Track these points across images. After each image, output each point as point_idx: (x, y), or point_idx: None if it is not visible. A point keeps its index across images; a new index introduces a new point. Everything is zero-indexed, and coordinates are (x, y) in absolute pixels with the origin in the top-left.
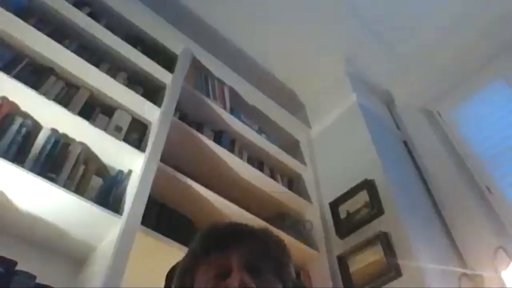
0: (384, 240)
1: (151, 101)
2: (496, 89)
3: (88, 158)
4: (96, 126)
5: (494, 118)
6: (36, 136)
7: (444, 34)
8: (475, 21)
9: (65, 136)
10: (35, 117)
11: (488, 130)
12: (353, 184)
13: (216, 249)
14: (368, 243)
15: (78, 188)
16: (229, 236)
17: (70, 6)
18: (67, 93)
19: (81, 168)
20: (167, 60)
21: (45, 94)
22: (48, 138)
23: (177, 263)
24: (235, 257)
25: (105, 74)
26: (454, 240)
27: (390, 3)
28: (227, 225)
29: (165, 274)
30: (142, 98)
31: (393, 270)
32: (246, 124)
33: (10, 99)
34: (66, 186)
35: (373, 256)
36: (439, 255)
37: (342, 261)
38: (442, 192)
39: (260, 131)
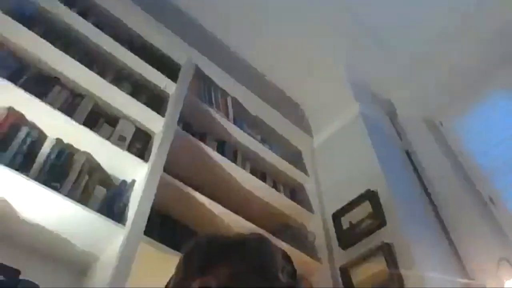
0: (387, 251)
1: (154, 111)
2: (499, 99)
3: (92, 167)
4: (100, 135)
5: (497, 128)
6: (41, 145)
7: (447, 44)
8: (479, 32)
9: (69, 145)
10: (41, 127)
11: (491, 140)
12: (356, 195)
13: (196, 273)
14: (370, 254)
15: (82, 197)
16: (208, 256)
17: (76, 15)
18: (72, 103)
19: (85, 177)
20: (171, 70)
21: (51, 104)
22: (53, 147)
23: (171, 278)
24: (215, 283)
25: (109, 84)
26: (457, 250)
27: (393, 14)
28: (207, 242)
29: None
30: (146, 108)
31: (395, 281)
32: (249, 134)
33: (16, 109)
34: (70, 195)
35: (375, 267)
36: (442, 266)
37: (345, 272)
38: (445, 203)
39: (262, 141)
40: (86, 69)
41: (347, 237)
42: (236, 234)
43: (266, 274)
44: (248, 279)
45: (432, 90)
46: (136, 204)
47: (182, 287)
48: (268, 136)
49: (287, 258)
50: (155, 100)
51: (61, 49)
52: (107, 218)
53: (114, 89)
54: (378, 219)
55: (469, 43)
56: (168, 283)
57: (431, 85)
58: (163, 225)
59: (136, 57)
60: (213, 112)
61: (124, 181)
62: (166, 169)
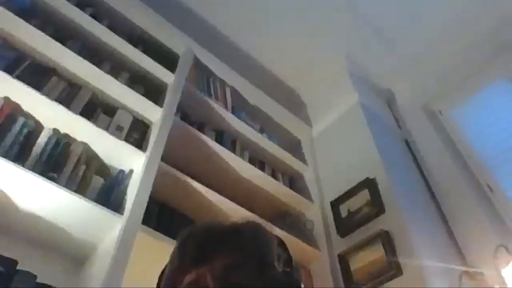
0: (385, 239)
1: (152, 101)
2: (498, 88)
3: (89, 157)
4: (97, 126)
5: (496, 117)
6: (38, 136)
7: (446, 32)
8: (479, 20)
9: (66, 136)
10: (37, 117)
11: (490, 129)
12: (354, 183)
13: (191, 264)
14: (369, 242)
15: (79, 187)
16: (203, 247)
17: (73, 6)
18: (69, 93)
19: (82, 167)
20: (169, 60)
21: (47, 95)
22: (50, 138)
23: (165, 267)
24: (210, 274)
25: (107, 74)
26: (455, 238)
27: (392, 3)
28: (202, 232)
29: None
30: (143, 98)
31: (394, 269)
32: (248, 124)
33: (12, 99)
34: (67, 185)
35: (374, 254)
36: (440, 253)
37: (343, 259)
38: (443, 191)
39: (261, 130)
40: (84, 60)
41: (345, 225)
42: (231, 222)
43: (262, 262)
44: (244, 269)
45: (432, 79)
46: (134, 194)
47: (176, 278)
48: (267, 126)
49: (282, 245)
50: (153, 90)
51: (58, 40)
52: (105, 208)
53: (111, 80)
54: (377, 206)
55: (468, 33)
56: (162, 272)
57: (430, 74)
58: (161, 214)
59: (134, 48)
60: (211, 102)
61: (121, 171)
62: (164, 159)
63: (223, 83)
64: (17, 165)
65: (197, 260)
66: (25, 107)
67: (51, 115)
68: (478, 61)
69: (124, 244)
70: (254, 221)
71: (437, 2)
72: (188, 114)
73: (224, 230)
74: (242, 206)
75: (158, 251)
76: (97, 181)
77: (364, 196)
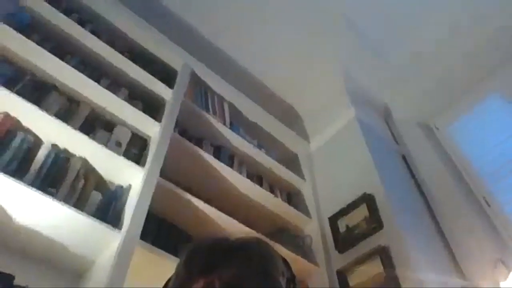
0: (384, 254)
1: (151, 116)
2: (494, 103)
3: (88, 173)
4: (96, 141)
5: (492, 132)
6: (37, 151)
7: (442, 48)
8: (473, 36)
9: (65, 151)
10: (36, 133)
11: (486, 144)
12: (352, 199)
13: (199, 273)
14: (367, 257)
15: (78, 202)
16: (211, 258)
17: (72, 22)
18: (68, 109)
19: (81, 182)
20: (167, 76)
21: (47, 110)
22: (49, 153)
23: (169, 279)
24: (218, 281)
25: (106, 90)
26: (453, 253)
27: (388, 18)
28: (209, 244)
29: None
30: (142, 114)
31: (392, 284)
32: (246, 139)
33: (12, 114)
34: (65, 200)
35: (372, 270)
36: (439, 268)
37: (342, 275)
38: (441, 206)
39: (259, 146)
40: (83, 76)
41: (344, 241)
42: (237, 237)
43: (268, 278)
44: (251, 280)
45: (428, 95)
46: (132, 209)
47: (183, 287)
48: (264, 141)
49: (286, 263)
50: (151, 106)
51: (58, 56)
52: (103, 223)
53: (110, 95)
54: (375, 222)
55: (464, 48)
56: (166, 284)
57: (426, 90)
58: (160, 230)
59: (133, 64)
60: (209, 117)
61: (120, 186)
62: (162, 174)
63: (221, 98)
64: (16, 180)
65: (206, 270)
66: (25, 122)
67: (50, 131)
68: (473, 76)
69: (122, 259)
70: (258, 237)
71: (432, 19)
72: (186, 130)
73: (231, 244)
74: (240, 221)
75: (156, 266)
76: (96, 196)
77: (362, 211)
